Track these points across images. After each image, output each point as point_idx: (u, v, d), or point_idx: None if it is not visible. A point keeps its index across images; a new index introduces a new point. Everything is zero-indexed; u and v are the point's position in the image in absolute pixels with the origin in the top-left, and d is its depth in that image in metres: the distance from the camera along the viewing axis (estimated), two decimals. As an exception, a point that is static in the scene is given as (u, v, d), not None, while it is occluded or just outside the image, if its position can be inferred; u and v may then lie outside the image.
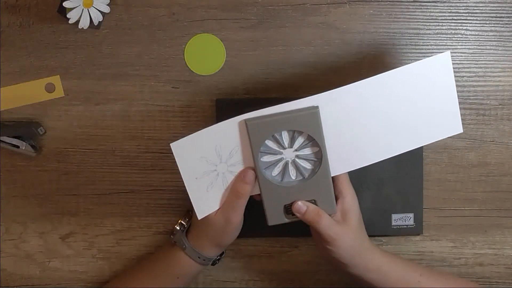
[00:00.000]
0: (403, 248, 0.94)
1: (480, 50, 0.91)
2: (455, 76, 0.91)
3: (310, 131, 0.79)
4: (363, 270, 0.83)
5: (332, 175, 0.82)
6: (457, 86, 0.91)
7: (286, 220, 0.83)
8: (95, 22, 0.86)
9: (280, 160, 0.81)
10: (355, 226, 0.82)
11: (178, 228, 0.89)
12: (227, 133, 0.80)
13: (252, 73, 0.91)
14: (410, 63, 0.90)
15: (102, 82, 0.92)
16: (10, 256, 0.95)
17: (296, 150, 0.81)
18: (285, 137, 0.80)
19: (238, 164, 0.81)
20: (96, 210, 0.94)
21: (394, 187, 0.92)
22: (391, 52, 0.91)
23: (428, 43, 0.91)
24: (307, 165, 0.81)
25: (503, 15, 0.91)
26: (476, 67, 0.92)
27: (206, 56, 0.91)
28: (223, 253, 0.91)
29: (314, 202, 0.82)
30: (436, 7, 0.91)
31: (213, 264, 0.90)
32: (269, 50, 0.91)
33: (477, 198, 0.93)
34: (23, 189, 0.94)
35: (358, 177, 0.90)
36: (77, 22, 0.85)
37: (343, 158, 0.81)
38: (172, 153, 0.93)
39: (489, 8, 0.91)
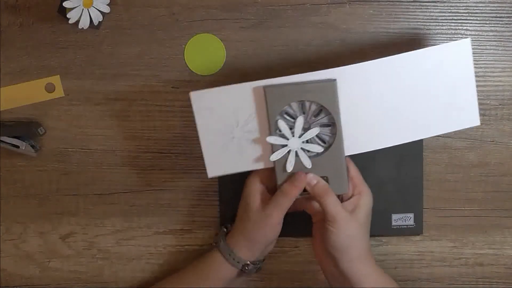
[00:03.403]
0: (403, 248, 0.94)
1: (480, 50, 0.91)
2: (455, 76, 0.92)
3: (326, 103, 0.79)
4: (352, 267, 0.82)
5: (346, 154, 0.81)
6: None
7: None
8: (95, 22, 0.86)
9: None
10: (361, 222, 0.82)
11: (221, 230, 0.89)
12: (244, 97, 0.80)
13: (252, 73, 0.91)
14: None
15: (102, 82, 0.92)
16: (10, 256, 0.95)
17: (311, 125, 0.80)
18: (301, 110, 0.80)
19: (254, 132, 0.81)
20: (96, 210, 0.94)
21: (394, 187, 0.92)
22: (391, 52, 0.91)
23: (428, 43, 0.91)
24: (321, 142, 0.81)
25: (503, 15, 0.91)
26: (476, 67, 0.91)
27: (206, 56, 0.91)
28: (257, 264, 0.87)
29: (326, 178, 0.81)
30: (436, 7, 0.91)
31: (244, 271, 0.86)
32: (269, 50, 0.91)
33: (477, 198, 0.93)
34: (23, 189, 0.94)
35: (358, 177, 0.90)
36: (77, 22, 0.85)
37: (358, 138, 0.81)
38: (171, 153, 0.93)
39: (489, 8, 0.91)
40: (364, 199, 0.83)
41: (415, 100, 0.80)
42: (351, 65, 0.79)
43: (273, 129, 0.80)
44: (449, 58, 0.79)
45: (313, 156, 0.81)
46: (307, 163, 0.81)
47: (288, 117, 0.81)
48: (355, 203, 0.83)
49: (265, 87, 0.79)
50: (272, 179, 0.84)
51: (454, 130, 0.82)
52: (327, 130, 0.81)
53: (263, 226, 0.83)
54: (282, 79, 0.79)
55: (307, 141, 0.81)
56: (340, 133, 0.80)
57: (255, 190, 0.84)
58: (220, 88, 0.80)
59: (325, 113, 0.80)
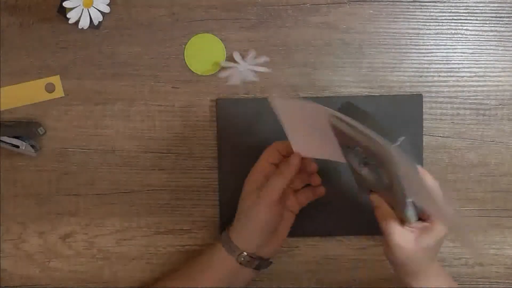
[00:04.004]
0: (403, 248, 0.94)
1: (480, 50, 0.91)
2: (455, 76, 0.92)
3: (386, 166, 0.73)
4: (408, 278, 0.80)
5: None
6: (457, 86, 0.91)
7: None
8: (95, 22, 0.86)
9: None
10: (424, 251, 0.78)
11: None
12: (319, 117, 0.77)
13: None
14: (411, 63, 0.91)
15: (102, 82, 0.92)
16: (10, 256, 0.95)
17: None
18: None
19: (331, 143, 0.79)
20: (96, 210, 0.94)
21: (394, 187, 0.92)
22: (391, 52, 0.91)
23: (428, 43, 0.91)
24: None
25: (503, 15, 0.91)
26: (476, 67, 0.92)
27: (206, 56, 0.91)
28: (254, 257, 0.86)
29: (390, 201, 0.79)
30: (436, 7, 0.91)
31: (239, 261, 0.85)
32: (269, 50, 0.91)
33: (477, 198, 0.93)
34: (23, 189, 0.94)
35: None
36: (77, 22, 0.85)
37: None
38: (171, 153, 0.93)
39: (489, 8, 0.91)
40: (432, 232, 0.77)
41: None
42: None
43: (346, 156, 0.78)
44: None
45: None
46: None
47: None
48: (421, 231, 0.78)
49: (333, 120, 0.74)
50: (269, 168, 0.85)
51: None
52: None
53: (257, 209, 0.83)
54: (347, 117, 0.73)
55: None
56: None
57: (252, 181, 0.86)
58: (298, 101, 0.82)
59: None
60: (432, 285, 0.80)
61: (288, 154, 0.85)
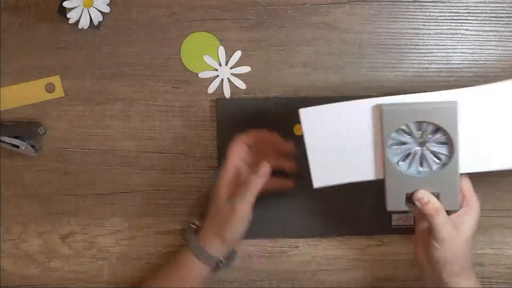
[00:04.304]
0: (403, 248, 0.94)
1: (480, 50, 0.91)
2: (455, 76, 0.92)
3: (446, 126, 0.78)
4: (454, 282, 0.80)
5: (460, 172, 0.80)
6: (457, 86, 0.91)
7: (405, 208, 0.82)
8: (95, 22, 0.86)
9: (409, 150, 0.80)
10: (467, 237, 0.81)
11: (190, 225, 0.89)
12: (358, 113, 0.79)
13: (252, 73, 0.91)
14: (411, 63, 0.91)
15: (102, 82, 0.92)
16: (10, 256, 0.95)
17: (427, 142, 0.80)
18: (417, 128, 0.79)
19: (367, 146, 0.80)
20: (96, 210, 0.94)
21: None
22: (391, 52, 0.91)
23: (428, 43, 0.91)
24: (436, 159, 0.80)
25: (503, 15, 0.91)
26: (476, 67, 0.92)
27: (202, 54, 0.91)
28: (229, 259, 0.88)
29: (437, 195, 0.80)
30: (436, 7, 0.91)
31: (217, 268, 0.87)
32: (269, 50, 0.91)
33: (477, 198, 0.93)
34: (23, 189, 0.94)
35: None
36: (77, 22, 0.85)
37: (473, 158, 0.80)
38: (171, 153, 0.93)
39: (489, 8, 0.91)
40: (472, 213, 0.82)
41: None
42: (473, 87, 0.78)
43: (386, 146, 0.79)
44: None
45: (426, 172, 0.81)
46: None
47: (403, 133, 0.80)
48: (463, 216, 0.81)
49: (383, 106, 0.78)
50: (237, 168, 0.85)
51: None
52: (444, 148, 0.80)
53: (231, 222, 0.83)
54: (399, 97, 0.78)
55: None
56: (457, 154, 0.79)
57: (222, 181, 0.85)
58: (332, 105, 0.80)
59: (442, 133, 0.79)
60: (477, 284, 0.82)
61: (255, 145, 0.85)
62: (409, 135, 0.80)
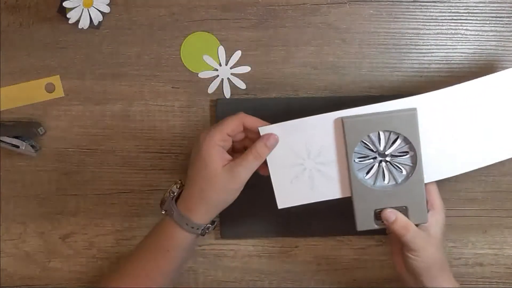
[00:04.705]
0: (403, 248, 0.94)
1: (480, 50, 0.91)
2: (455, 76, 0.91)
3: (407, 133, 0.78)
4: (435, 284, 0.81)
5: (425, 182, 0.80)
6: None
7: (376, 227, 0.81)
8: (95, 22, 0.86)
9: (373, 163, 0.80)
10: (439, 240, 0.82)
11: (168, 195, 0.84)
12: (319, 129, 0.78)
13: (252, 73, 0.91)
14: (411, 63, 0.91)
15: (102, 82, 0.92)
16: (10, 256, 0.95)
17: (390, 154, 0.80)
18: (381, 139, 0.79)
19: (330, 163, 0.80)
20: (96, 210, 0.94)
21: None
22: (391, 52, 0.91)
23: (428, 43, 0.91)
24: (401, 170, 0.80)
25: (503, 15, 0.91)
26: (476, 67, 0.92)
27: (202, 54, 0.91)
28: (214, 222, 0.84)
29: (405, 208, 0.80)
30: (436, 7, 0.91)
31: (203, 234, 0.82)
32: (269, 50, 0.91)
33: (477, 198, 0.93)
34: (23, 189, 0.94)
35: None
36: (77, 22, 0.85)
37: (437, 165, 0.80)
38: (171, 153, 0.93)
39: (489, 8, 0.91)
40: (438, 215, 0.82)
41: (492, 124, 0.80)
42: (430, 92, 0.78)
43: (350, 161, 0.79)
44: None
45: (392, 186, 0.80)
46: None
47: (366, 145, 0.80)
48: (430, 219, 0.82)
49: (344, 119, 0.77)
50: (228, 139, 0.81)
51: None
52: (408, 159, 0.80)
53: (228, 189, 0.80)
54: (360, 109, 0.78)
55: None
56: (420, 163, 0.79)
57: (215, 148, 0.80)
58: (290, 122, 0.78)
59: (405, 142, 0.79)
60: (456, 284, 0.83)
61: (250, 128, 0.81)
62: (373, 147, 0.79)
